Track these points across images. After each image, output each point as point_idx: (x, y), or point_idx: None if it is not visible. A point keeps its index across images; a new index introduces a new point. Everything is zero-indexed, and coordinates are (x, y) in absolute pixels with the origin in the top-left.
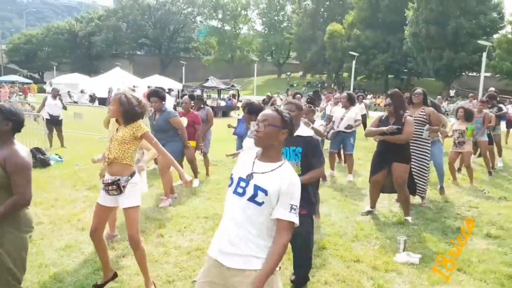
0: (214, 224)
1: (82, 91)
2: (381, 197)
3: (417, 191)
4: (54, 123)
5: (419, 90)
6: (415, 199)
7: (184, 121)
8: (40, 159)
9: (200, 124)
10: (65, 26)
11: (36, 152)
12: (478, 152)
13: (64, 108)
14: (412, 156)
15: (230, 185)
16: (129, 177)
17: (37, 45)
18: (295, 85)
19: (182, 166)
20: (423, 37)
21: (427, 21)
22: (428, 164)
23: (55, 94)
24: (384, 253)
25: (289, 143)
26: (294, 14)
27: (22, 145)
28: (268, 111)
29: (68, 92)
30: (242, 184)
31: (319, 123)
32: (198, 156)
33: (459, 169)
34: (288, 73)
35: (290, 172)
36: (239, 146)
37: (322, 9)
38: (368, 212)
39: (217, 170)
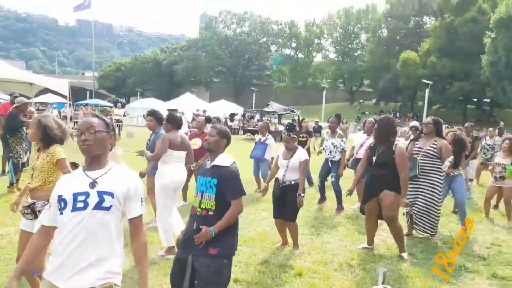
0: None
1: None
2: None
3: (425, 229)
4: None
5: (429, 119)
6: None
7: (197, 142)
8: None
9: None
10: (151, 55)
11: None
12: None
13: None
14: (420, 192)
15: (62, 209)
16: (46, 202)
17: (126, 73)
18: (367, 113)
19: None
20: (502, 65)
21: (508, 49)
22: (439, 201)
23: (107, 113)
24: (362, 284)
25: (205, 173)
26: (368, 42)
27: None
28: (90, 118)
29: (143, 115)
30: (81, 198)
31: (301, 152)
32: None
33: (496, 206)
34: (361, 101)
35: (125, 170)
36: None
37: (398, 37)
38: (365, 248)
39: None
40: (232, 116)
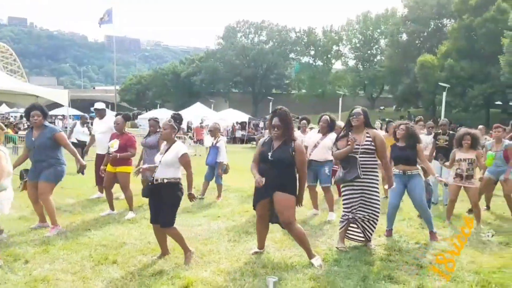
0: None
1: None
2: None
3: (368, 234)
4: (80, 147)
5: (358, 110)
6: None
7: (115, 143)
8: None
9: (135, 148)
10: (170, 68)
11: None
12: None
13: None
14: (364, 194)
15: None
16: None
17: (146, 86)
18: (386, 119)
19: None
20: None
21: None
22: (379, 203)
23: (84, 121)
24: None
25: None
26: (387, 47)
27: None
28: None
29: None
30: None
31: (179, 145)
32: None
33: (471, 210)
34: (382, 107)
35: None
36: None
37: (417, 41)
38: (256, 253)
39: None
40: (243, 124)
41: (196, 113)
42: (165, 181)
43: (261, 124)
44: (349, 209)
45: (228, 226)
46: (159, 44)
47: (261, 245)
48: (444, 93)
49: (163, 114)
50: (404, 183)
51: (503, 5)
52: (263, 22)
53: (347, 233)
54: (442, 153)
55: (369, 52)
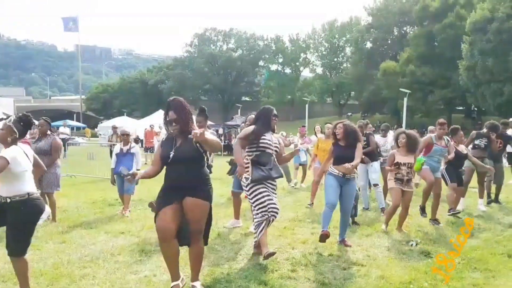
0: None
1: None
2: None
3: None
4: None
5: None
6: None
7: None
8: None
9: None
10: (137, 76)
11: None
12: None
13: None
14: (274, 194)
15: None
16: None
17: (113, 94)
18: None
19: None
20: (479, 70)
21: (484, 52)
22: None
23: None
24: None
25: None
26: (353, 54)
27: None
28: None
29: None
30: None
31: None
32: None
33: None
34: (350, 114)
35: None
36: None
37: (381, 49)
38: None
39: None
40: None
41: (160, 121)
42: (8, 200)
43: (221, 131)
44: (265, 207)
45: (125, 244)
46: (130, 53)
47: (175, 276)
48: (405, 99)
49: (124, 122)
50: (340, 184)
51: (461, 12)
52: (231, 30)
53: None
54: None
55: (335, 59)
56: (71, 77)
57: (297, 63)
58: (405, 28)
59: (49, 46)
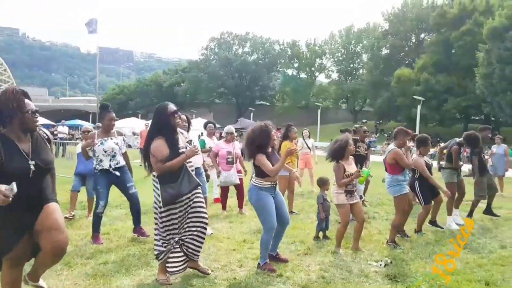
0: None
1: (134, 133)
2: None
3: (196, 253)
4: None
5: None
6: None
7: None
8: None
9: None
10: (153, 78)
11: None
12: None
13: None
14: (190, 209)
15: None
16: None
17: (128, 95)
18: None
19: None
20: (496, 78)
21: (501, 60)
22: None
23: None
24: None
25: None
26: (369, 60)
27: None
28: None
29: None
30: None
31: None
32: None
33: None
34: (364, 120)
35: None
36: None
37: (397, 55)
38: None
39: None
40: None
41: None
42: None
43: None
44: (171, 233)
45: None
46: (152, 56)
47: None
48: (419, 106)
49: (135, 123)
50: (272, 196)
51: (480, 18)
52: (247, 34)
53: (167, 266)
54: (362, 161)
55: (351, 65)
56: (93, 79)
57: (313, 68)
58: (422, 35)
59: (73, 48)
